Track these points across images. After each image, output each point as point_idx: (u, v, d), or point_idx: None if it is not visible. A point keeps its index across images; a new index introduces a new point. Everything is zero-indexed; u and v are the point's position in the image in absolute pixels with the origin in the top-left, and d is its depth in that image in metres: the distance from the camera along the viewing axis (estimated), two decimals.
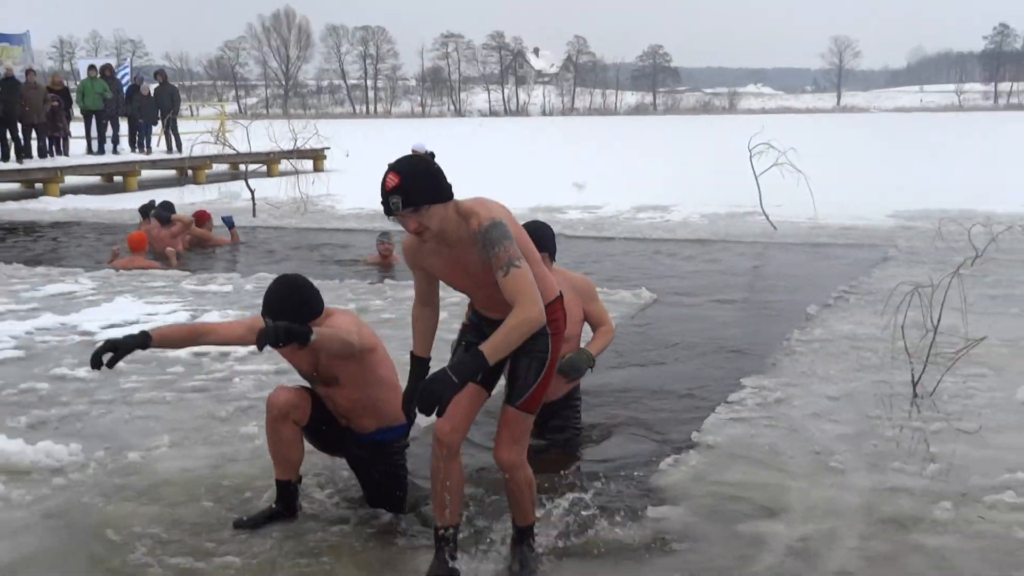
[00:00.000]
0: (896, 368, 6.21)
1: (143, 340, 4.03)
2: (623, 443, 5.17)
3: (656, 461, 4.86)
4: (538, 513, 3.99)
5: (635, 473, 4.73)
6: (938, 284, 6.34)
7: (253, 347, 3.92)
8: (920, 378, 5.85)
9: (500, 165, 26.83)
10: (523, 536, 3.73)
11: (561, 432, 5.20)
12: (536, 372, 3.49)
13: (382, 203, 3.28)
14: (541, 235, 4.86)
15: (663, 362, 6.87)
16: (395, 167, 3.29)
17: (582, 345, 5.15)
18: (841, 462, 4.79)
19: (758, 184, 13.66)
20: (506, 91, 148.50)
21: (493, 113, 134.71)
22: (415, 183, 3.23)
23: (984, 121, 67.96)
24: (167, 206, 12.58)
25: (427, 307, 3.77)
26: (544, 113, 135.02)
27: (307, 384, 4.37)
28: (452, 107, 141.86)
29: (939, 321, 6.09)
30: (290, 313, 3.94)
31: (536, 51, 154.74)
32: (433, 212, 3.25)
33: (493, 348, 3.19)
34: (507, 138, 48.09)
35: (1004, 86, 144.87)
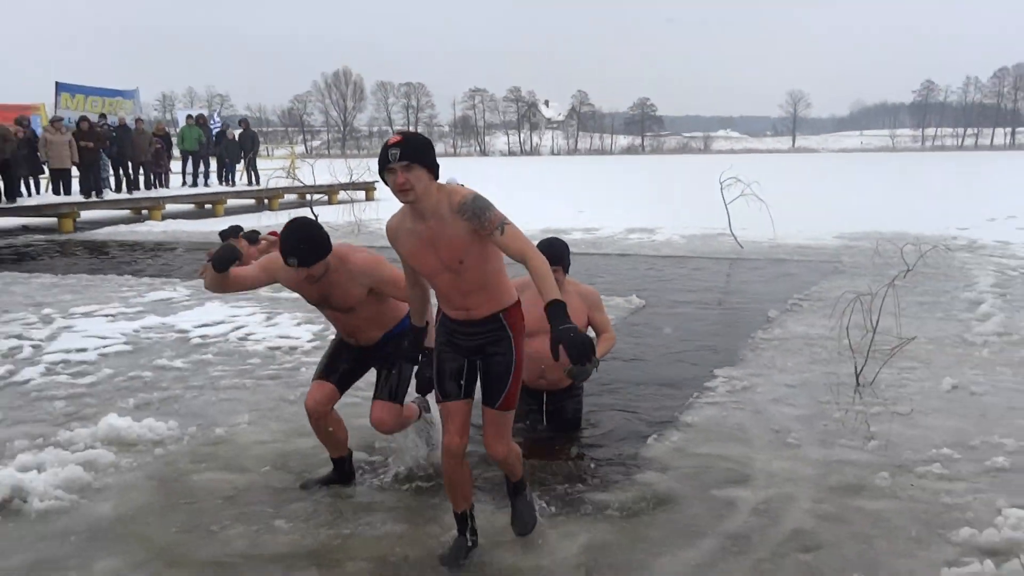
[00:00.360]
0: (842, 362, 6.17)
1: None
2: (616, 423, 5.15)
3: (644, 437, 4.85)
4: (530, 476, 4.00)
5: (626, 447, 4.73)
6: (876, 293, 6.31)
7: (317, 342, 3.90)
8: (862, 370, 5.81)
9: (517, 195, 26.85)
10: (518, 489, 3.59)
11: (565, 419, 5.00)
12: (507, 372, 3.29)
13: (379, 157, 3.09)
14: (557, 250, 4.71)
15: (649, 356, 6.85)
16: (400, 131, 3.20)
17: None
18: (797, 439, 4.76)
19: (727, 211, 13.66)
20: (522, 135, 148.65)
21: (511, 153, 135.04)
22: (414, 144, 3.07)
23: (913, 160, 67.81)
24: (251, 234, 12.63)
25: (416, 287, 3.53)
26: (552, 153, 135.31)
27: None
28: (478, 148, 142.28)
29: (877, 323, 6.07)
30: (305, 249, 3.79)
31: (546, 102, 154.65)
32: (421, 175, 3.05)
33: (552, 292, 2.92)
34: (522, 173, 48.23)
35: (929, 131, 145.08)
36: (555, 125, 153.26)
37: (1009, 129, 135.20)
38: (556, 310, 2.86)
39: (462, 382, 3.36)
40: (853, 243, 13.50)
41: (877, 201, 22.51)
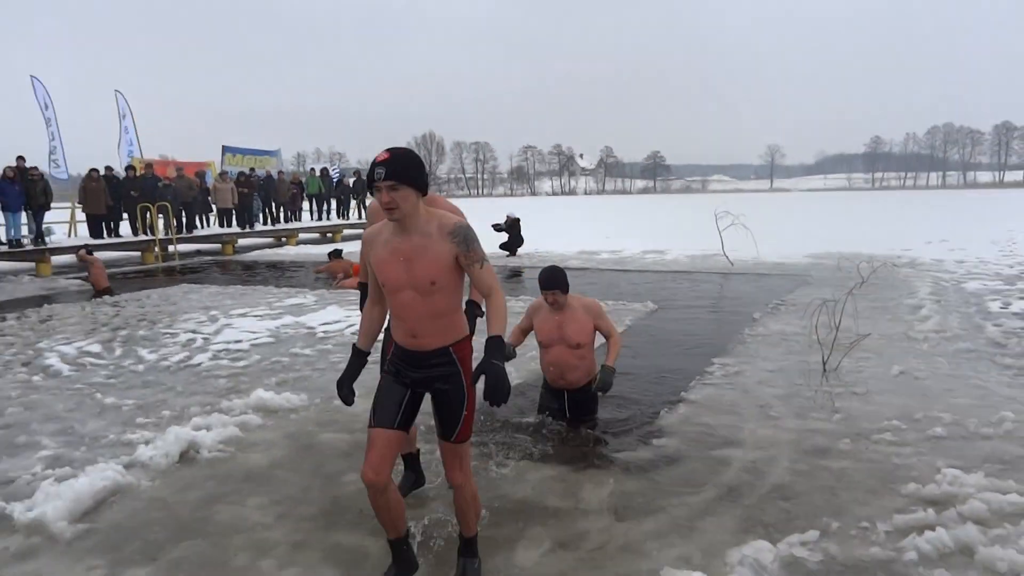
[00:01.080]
0: (811, 353, 5.98)
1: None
2: (633, 400, 5.04)
3: (658, 409, 4.75)
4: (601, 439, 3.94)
5: (643, 418, 4.63)
6: (838, 300, 6.13)
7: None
8: (827, 359, 5.64)
9: (558, 224, 26.77)
10: (469, 548, 2.82)
11: (584, 415, 4.55)
12: (460, 406, 2.61)
13: (367, 173, 2.44)
14: (556, 276, 4.35)
15: (661, 348, 6.73)
16: (390, 149, 2.48)
17: (597, 362, 4.51)
18: (777, 412, 4.63)
19: (721, 236, 13.41)
20: (562, 180, 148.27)
21: (554, 194, 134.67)
22: (402, 163, 2.42)
23: (865, 197, 65.99)
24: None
25: (377, 306, 2.78)
26: (585, 193, 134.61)
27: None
28: (529, 190, 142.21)
29: (839, 323, 5.89)
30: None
31: (581, 155, 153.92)
32: (408, 195, 2.42)
33: (498, 328, 2.45)
34: (563, 209, 47.96)
35: (878, 175, 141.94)
36: (588, 172, 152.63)
37: (940, 173, 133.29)
38: (493, 344, 2.42)
39: (399, 413, 2.67)
40: (819, 261, 13.14)
41: (837, 228, 21.92)
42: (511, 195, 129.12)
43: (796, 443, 4.09)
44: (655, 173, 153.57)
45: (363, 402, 4.99)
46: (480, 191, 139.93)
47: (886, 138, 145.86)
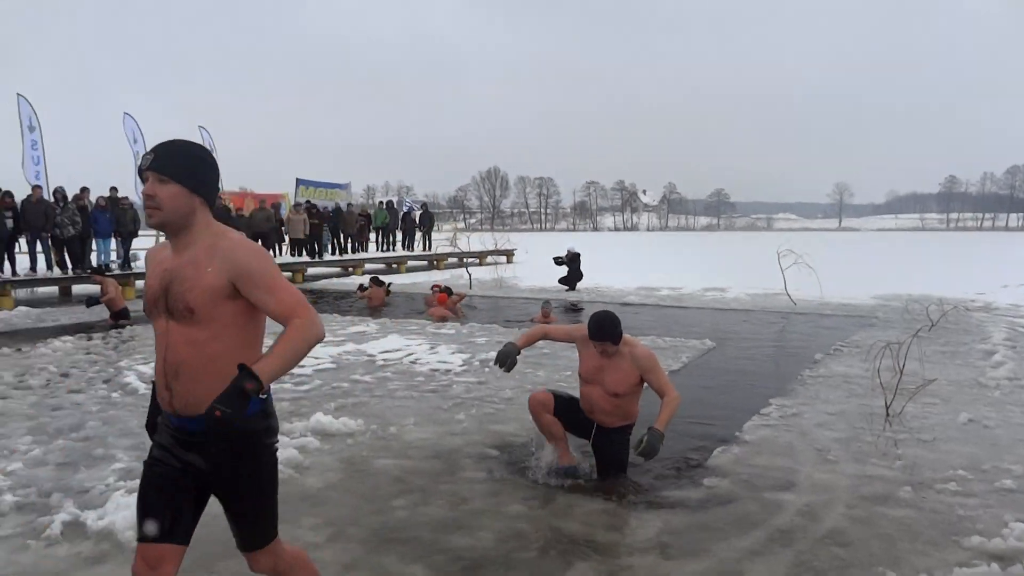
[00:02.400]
0: (874, 397, 5.76)
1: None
2: (688, 438, 4.96)
3: (710, 449, 4.66)
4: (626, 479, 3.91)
5: (696, 456, 4.55)
6: (904, 342, 5.90)
7: (466, 367, 3.86)
8: (891, 404, 5.41)
9: (620, 260, 26.67)
10: None
11: (610, 459, 4.11)
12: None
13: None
14: (606, 328, 3.97)
15: (718, 386, 6.60)
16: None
17: (641, 412, 4.24)
18: (835, 456, 4.47)
19: (783, 275, 13.11)
20: (624, 216, 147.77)
21: (616, 229, 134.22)
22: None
23: (938, 238, 63.37)
24: (377, 279, 13.20)
25: None
26: (648, 230, 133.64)
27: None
28: (591, 225, 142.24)
29: (904, 366, 5.66)
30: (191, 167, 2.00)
31: (643, 191, 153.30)
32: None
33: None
34: (625, 245, 47.73)
35: (953, 215, 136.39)
36: (650, 208, 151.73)
37: (1020, 215, 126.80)
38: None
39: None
40: (886, 302, 12.68)
41: (907, 270, 21.13)
42: (573, 230, 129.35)
43: (854, 489, 3.93)
44: (719, 210, 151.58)
45: (418, 430, 5.08)
46: (543, 225, 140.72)
47: (962, 177, 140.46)
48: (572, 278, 15.74)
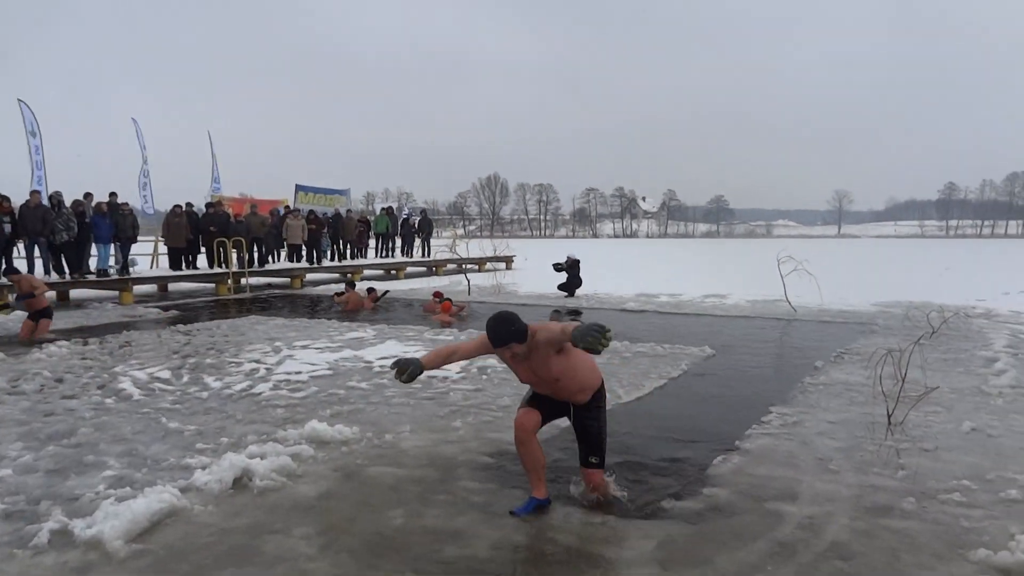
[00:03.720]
0: (876, 405, 5.69)
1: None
2: (687, 446, 4.89)
3: (710, 459, 4.58)
4: (622, 491, 3.87)
5: (695, 466, 4.47)
6: (905, 350, 5.83)
7: (463, 374, 3.71)
8: (893, 412, 5.34)
9: (620, 267, 26.63)
10: None
11: (588, 431, 3.83)
12: None
13: None
14: (501, 331, 3.54)
15: (718, 394, 6.53)
16: None
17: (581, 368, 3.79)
18: (837, 466, 4.39)
19: (783, 282, 13.05)
20: (624, 223, 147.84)
21: (616, 236, 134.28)
22: None
23: (938, 245, 63.38)
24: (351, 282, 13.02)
25: None
26: (647, 236, 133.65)
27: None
28: (591, 232, 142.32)
29: (906, 374, 5.59)
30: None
31: (643, 198, 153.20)
32: None
33: None
34: (625, 252, 47.69)
35: (952, 223, 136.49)
36: (650, 215, 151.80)
37: (1019, 221, 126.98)
38: None
39: None
40: (886, 309, 12.61)
41: (907, 276, 21.07)
42: (573, 237, 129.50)
43: (857, 500, 3.86)
44: (718, 217, 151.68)
45: (414, 437, 5.01)
46: (543, 232, 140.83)
47: (961, 184, 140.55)
48: (571, 285, 15.69)
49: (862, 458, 4.55)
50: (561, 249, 28.85)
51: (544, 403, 3.87)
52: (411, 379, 3.58)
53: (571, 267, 15.93)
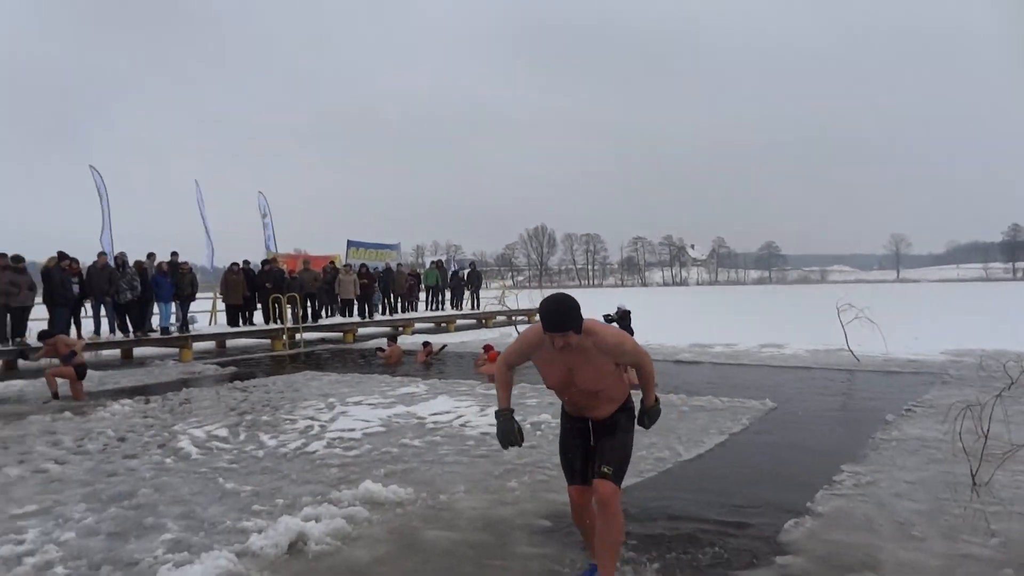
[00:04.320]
0: (956, 463, 5.34)
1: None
2: (754, 509, 4.65)
3: (780, 523, 4.32)
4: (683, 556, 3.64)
5: (765, 531, 4.24)
6: (985, 403, 5.49)
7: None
8: (977, 472, 5.00)
9: (671, 316, 26.22)
10: None
11: (610, 435, 3.39)
12: None
13: None
14: (563, 313, 3.15)
15: (784, 451, 6.24)
16: None
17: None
18: (920, 532, 4.10)
19: (844, 330, 12.60)
20: (672, 270, 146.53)
21: (665, 284, 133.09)
22: None
23: (1006, 289, 60.69)
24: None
25: None
26: (697, 284, 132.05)
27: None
28: (640, 280, 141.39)
29: (988, 429, 5.24)
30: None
31: (692, 246, 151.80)
32: None
33: None
34: (674, 300, 47.06)
35: (1020, 264, 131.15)
36: (699, 263, 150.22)
37: None
38: None
39: None
40: (958, 358, 12.01)
41: (977, 322, 20.14)
42: (621, 286, 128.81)
43: (947, 570, 3.58)
44: (770, 263, 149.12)
45: (469, 498, 4.90)
46: (591, 282, 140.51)
47: None
48: None
49: (948, 523, 4.24)
50: (610, 299, 28.65)
51: (583, 457, 3.47)
52: (520, 435, 3.41)
53: (622, 318, 15.72)
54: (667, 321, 23.15)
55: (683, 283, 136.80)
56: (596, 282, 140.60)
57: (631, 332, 15.65)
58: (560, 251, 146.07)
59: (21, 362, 12.22)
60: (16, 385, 11.11)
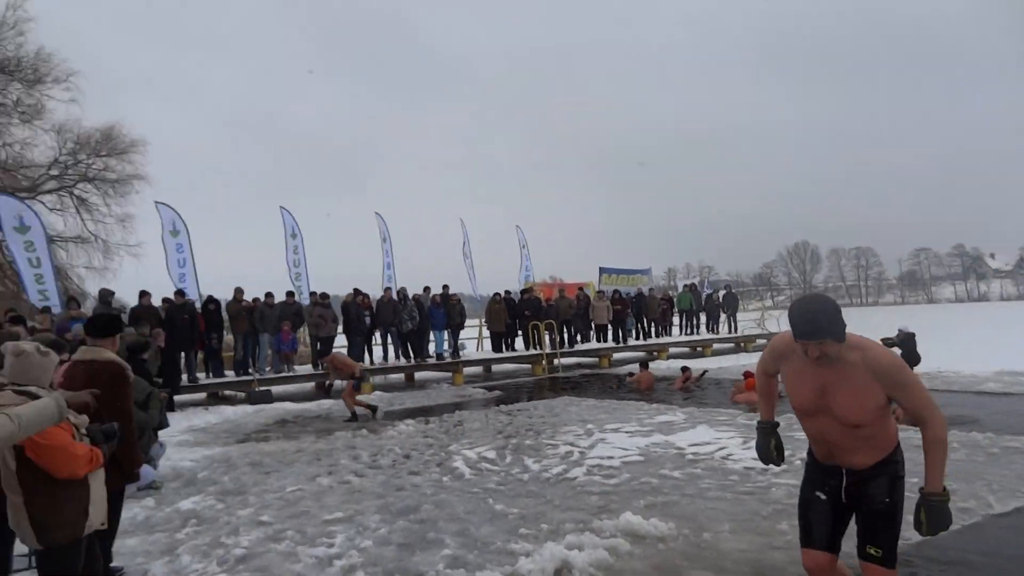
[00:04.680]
0: None
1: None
2: None
3: None
4: None
5: None
6: None
7: (785, 466, 3.27)
8: None
9: (968, 338, 22.63)
10: None
11: (870, 504, 2.81)
12: None
13: None
14: (819, 317, 2.69)
15: None
16: None
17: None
18: None
19: None
20: (967, 284, 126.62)
21: (958, 300, 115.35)
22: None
23: None
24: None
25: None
26: (1001, 299, 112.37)
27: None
28: (925, 297, 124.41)
29: None
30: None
31: (992, 255, 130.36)
32: None
33: None
34: (971, 318, 40.51)
35: None
36: (1002, 274, 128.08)
37: None
38: None
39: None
40: None
41: None
42: (902, 303, 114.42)
43: None
44: None
45: (735, 538, 4.65)
46: (864, 300, 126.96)
47: None
48: (907, 362, 13.68)
49: None
50: (890, 319, 25.57)
51: (826, 517, 2.92)
52: (781, 452, 3.21)
53: (904, 342, 13.93)
54: (964, 344, 19.99)
55: (982, 298, 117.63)
56: (871, 300, 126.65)
57: (917, 359, 13.80)
58: (826, 267, 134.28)
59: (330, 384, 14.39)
60: (326, 404, 13.00)
